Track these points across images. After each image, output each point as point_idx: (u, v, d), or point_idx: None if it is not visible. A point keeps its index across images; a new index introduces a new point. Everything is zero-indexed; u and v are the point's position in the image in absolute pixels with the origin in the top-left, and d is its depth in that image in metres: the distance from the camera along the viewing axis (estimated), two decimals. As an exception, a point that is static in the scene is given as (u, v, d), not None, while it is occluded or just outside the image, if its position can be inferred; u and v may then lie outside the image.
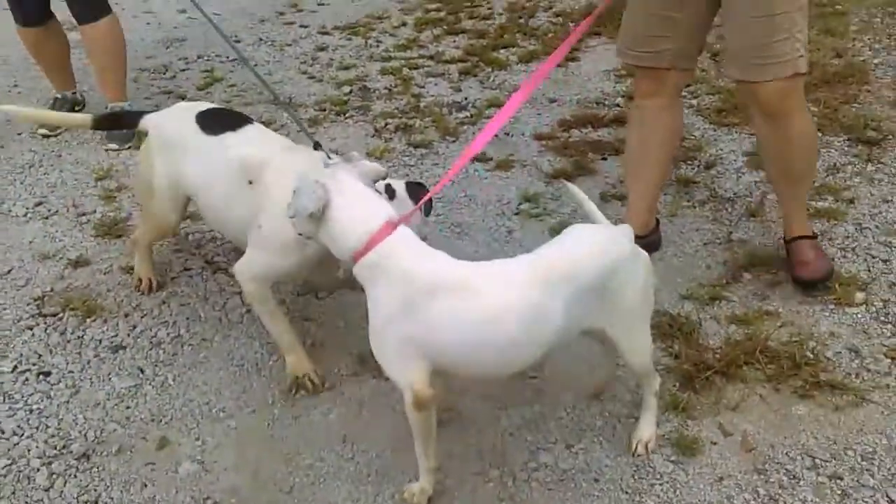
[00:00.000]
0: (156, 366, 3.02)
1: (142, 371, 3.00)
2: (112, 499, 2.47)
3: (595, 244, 2.35)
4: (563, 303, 2.18)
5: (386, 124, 4.83)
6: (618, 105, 4.93)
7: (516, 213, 3.90)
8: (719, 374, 2.81)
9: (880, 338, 2.90)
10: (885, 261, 3.29)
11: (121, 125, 3.53)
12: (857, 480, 2.37)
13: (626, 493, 2.42)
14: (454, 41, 6.14)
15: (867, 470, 2.40)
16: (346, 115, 4.98)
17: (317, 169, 2.42)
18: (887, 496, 2.34)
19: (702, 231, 3.65)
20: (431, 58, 5.83)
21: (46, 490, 2.50)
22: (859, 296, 3.10)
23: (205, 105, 3.22)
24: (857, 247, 3.39)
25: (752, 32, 2.89)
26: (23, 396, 2.86)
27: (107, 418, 2.78)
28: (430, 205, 2.71)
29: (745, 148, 4.28)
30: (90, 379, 2.95)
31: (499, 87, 5.30)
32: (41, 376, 2.95)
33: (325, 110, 5.07)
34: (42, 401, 2.84)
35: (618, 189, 4.02)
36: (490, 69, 5.57)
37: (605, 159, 4.34)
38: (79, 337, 3.16)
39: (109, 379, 2.96)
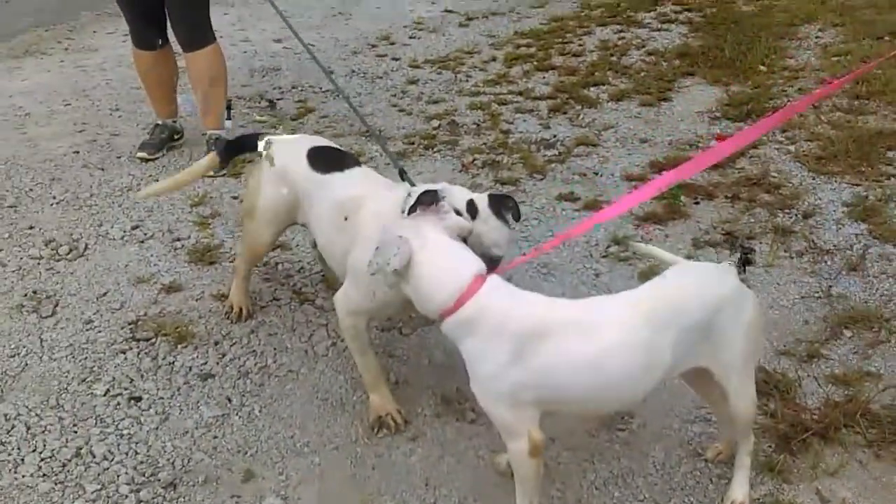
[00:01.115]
0: (243, 396, 3.05)
1: (230, 401, 3.03)
2: (197, 530, 2.49)
3: (699, 280, 2.32)
4: (671, 338, 2.15)
5: (474, 160, 4.83)
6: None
7: (604, 256, 3.84)
8: (817, 437, 2.70)
9: None
10: None
11: (243, 150, 3.59)
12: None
13: (720, 559, 2.33)
14: (544, 77, 6.14)
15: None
16: (434, 149, 5.01)
17: (400, 221, 2.41)
18: None
19: (799, 284, 3.54)
20: (521, 94, 5.84)
21: (134, 517, 2.54)
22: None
23: (319, 140, 3.29)
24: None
25: None
26: (114, 421, 2.92)
27: (194, 447, 2.81)
28: (517, 212, 2.69)
29: (845, 198, 4.14)
30: (179, 406, 2.99)
31: (588, 125, 5.26)
32: (132, 401, 3.01)
33: (413, 143, 5.11)
34: (132, 426, 2.89)
35: (711, 235, 3.93)
36: (580, 107, 5.54)
37: (697, 203, 4.25)
38: (170, 363, 3.21)
39: (198, 407, 3.00)
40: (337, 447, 2.82)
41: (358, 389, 3.07)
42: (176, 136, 5.07)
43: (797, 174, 4.43)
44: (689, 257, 3.70)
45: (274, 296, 3.64)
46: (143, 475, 2.68)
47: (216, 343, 3.34)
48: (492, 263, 2.44)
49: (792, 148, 4.73)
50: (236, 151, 3.58)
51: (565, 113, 5.47)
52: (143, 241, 4.06)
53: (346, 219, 2.83)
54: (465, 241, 2.42)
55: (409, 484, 2.66)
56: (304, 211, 3.08)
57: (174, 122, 5.09)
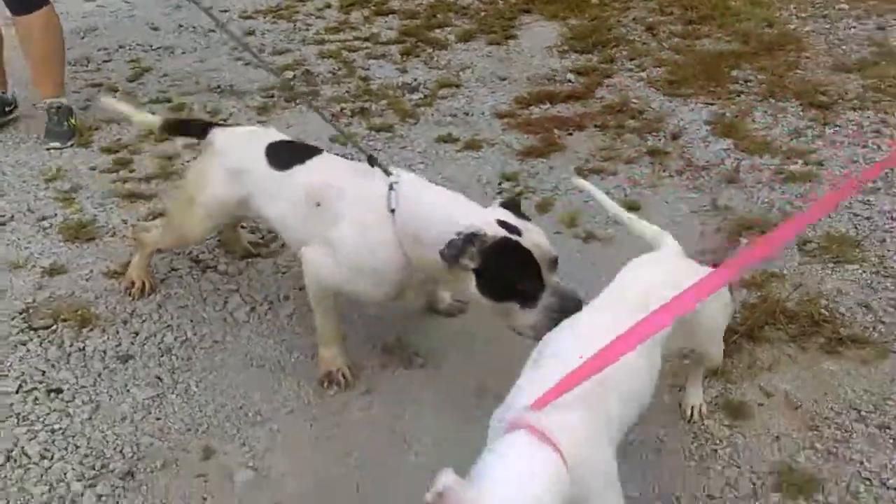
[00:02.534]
0: (173, 373, 2.87)
1: (160, 380, 2.84)
2: (174, 516, 2.34)
3: (672, 277, 2.12)
4: (660, 342, 2.10)
5: (342, 109, 4.72)
6: (570, 81, 4.98)
7: (499, 193, 3.88)
8: (745, 338, 2.89)
9: (885, 291, 3.06)
10: (867, 218, 3.47)
11: (189, 132, 3.28)
12: (905, 428, 2.50)
13: (693, 460, 2.47)
14: (386, 21, 6.06)
15: (911, 417, 2.53)
16: (297, 101, 4.84)
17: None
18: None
19: (686, 200, 3.75)
20: (367, 39, 5.74)
21: (98, 514, 2.34)
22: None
23: (274, 135, 3.03)
24: (839, 206, 3.55)
25: None
26: (38, 417, 2.67)
27: (138, 432, 2.62)
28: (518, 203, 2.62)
29: (705, 117, 4.40)
30: (107, 392, 2.78)
31: (445, 67, 5.26)
32: (52, 394, 2.76)
33: (272, 97, 4.92)
34: (62, 420, 2.66)
35: (592, 164, 4.08)
36: (431, 49, 5.53)
37: (570, 135, 4.38)
38: (80, 349, 2.96)
39: (128, 390, 2.79)
40: (291, 411, 2.72)
41: (294, 350, 2.97)
42: (8, 108, 4.60)
43: (655, 99, 4.66)
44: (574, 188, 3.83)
45: (171, 266, 3.43)
46: (94, 468, 2.47)
47: (125, 322, 3.11)
48: (556, 266, 2.42)
49: (643, 75, 4.96)
50: (180, 131, 3.34)
51: (418, 56, 5.43)
52: (3, 224, 3.68)
53: (318, 204, 2.68)
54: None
55: (377, 437, 2.61)
56: (259, 207, 2.87)
57: (3, 93, 4.61)
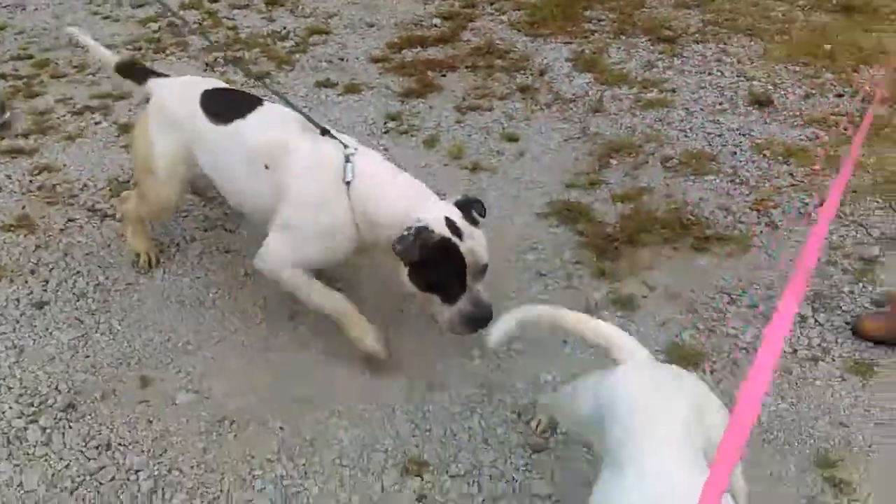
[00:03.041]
0: (93, 314, 2.93)
1: (80, 321, 2.89)
2: (124, 438, 2.43)
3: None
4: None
5: (216, 59, 4.74)
6: (436, 25, 5.18)
7: (386, 133, 4.07)
8: (624, 244, 3.23)
9: (741, 196, 3.47)
10: (719, 135, 3.88)
11: (132, 77, 3.07)
12: (769, 305, 2.90)
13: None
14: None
15: (773, 296, 2.93)
16: (167, 52, 4.82)
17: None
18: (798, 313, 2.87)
19: (558, 129, 4.05)
20: (226, -12, 5.72)
21: (46, 444, 2.41)
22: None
23: (209, 82, 2.97)
24: (693, 127, 3.96)
25: None
26: (-38, 364, 2.67)
27: (70, 370, 2.68)
28: (484, 209, 2.65)
29: (566, 55, 4.72)
30: (30, 336, 2.81)
31: (311, 15, 5.34)
32: (-29, 343, 2.76)
33: (140, 49, 4.87)
34: (-12, 365, 2.67)
35: (468, 102, 4.31)
36: (294, -4, 5.59)
37: (444, 76, 4.60)
38: (-9, 300, 2.95)
39: (50, 333, 2.83)
40: (220, 340, 2.84)
41: (211, 287, 3.08)
42: None
43: (518, 40, 4.94)
44: (458, 122, 4.08)
45: (69, 217, 3.43)
46: (32, 405, 2.53)
47: (32, 272, 3.12)
48: (484, 274, 2.51)
49: (504, 18, 5.22)
50: (126, 74, 3.12)
51: (283, 5, 5.48)
52: None
53: (266, 167, 2.62)
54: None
55: (316, 355, 2.77)
56: (204, 163, 2.81)
57: None
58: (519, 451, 2.44)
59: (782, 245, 3.18)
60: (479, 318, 2.47)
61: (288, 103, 2.76)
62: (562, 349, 2.75)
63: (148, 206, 3.02)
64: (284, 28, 5.15)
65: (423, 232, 2.41)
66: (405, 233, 2.41)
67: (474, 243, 2.48)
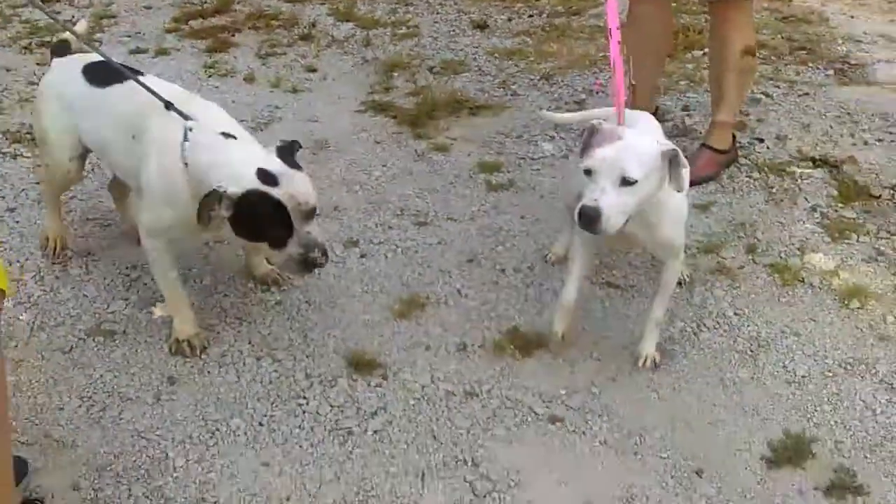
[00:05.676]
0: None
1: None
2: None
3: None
4: None
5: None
6: (206, 1, 6.18)
7: (210, 77, 5.08)
8: (426, 118, 4.59)
9: (489, 82, 4.99)
10: (461, 49, 5.39)
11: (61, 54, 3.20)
12: (532, 135, 4.39)
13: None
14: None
15: (531, 132, 4.44)
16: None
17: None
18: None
19: (345, 60, 5.33)
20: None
21: None
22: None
23: (92, 57, 3.07)
24: (440, 47, 5.43)
25: None
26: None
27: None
28: (298, 146, 2.71)
29: (326, 11, 5.98)
30: None
31: (90, 4, 6.11)
32: None
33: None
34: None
35: (265, 50, 5.42)
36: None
37: (234, 35, 5.66)
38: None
39: None
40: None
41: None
42: None
43: (283, 6, 6.10)
44: (264, 65, 5.19)
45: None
46: None
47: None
48: (313, 215, 2.57)
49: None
50: (62, 52, 3.21)
51: (59, 1, 6.17)
52: None
53: (133, 137, 2.75)
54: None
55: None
56: (86, 134, 2.97)
57: None
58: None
59: (524, 102, 4.74)
60: (311, 259, 2.55)
61: (125, 68, 2.89)
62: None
63: (49, 181, 3.26)
64: (73, 17, 5.87)
65: (218, 195, 2.44)
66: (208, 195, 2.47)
67: (294, 186, 2.50)
